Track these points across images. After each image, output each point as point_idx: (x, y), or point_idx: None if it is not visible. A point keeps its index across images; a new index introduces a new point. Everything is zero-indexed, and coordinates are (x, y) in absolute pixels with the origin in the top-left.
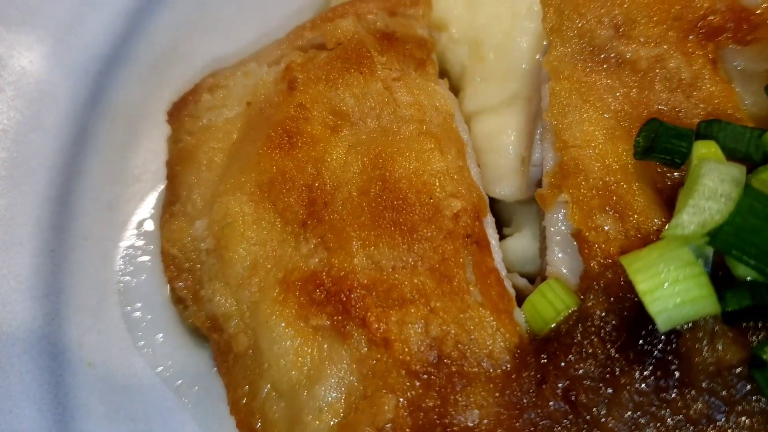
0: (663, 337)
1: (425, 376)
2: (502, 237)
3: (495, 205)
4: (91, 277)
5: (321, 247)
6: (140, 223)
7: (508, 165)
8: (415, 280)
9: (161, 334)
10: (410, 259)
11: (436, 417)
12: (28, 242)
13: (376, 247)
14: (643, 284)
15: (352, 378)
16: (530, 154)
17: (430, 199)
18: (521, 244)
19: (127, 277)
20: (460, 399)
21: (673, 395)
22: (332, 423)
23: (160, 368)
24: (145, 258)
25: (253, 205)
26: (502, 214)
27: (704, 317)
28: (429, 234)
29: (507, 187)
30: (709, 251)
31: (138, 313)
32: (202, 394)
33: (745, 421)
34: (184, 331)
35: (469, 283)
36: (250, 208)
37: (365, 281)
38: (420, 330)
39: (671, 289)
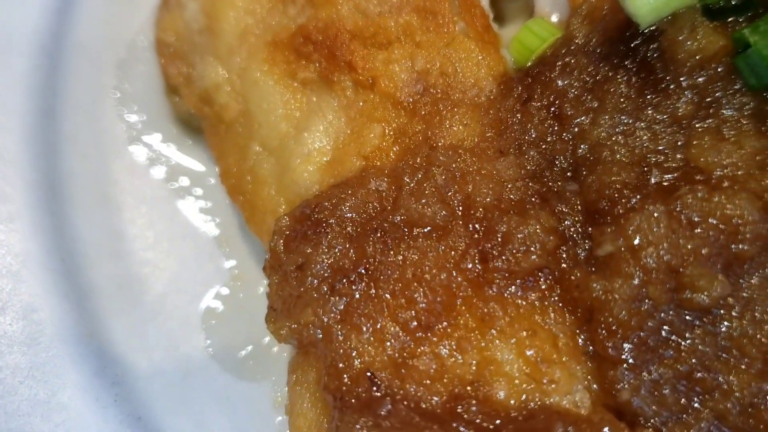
0: (645, 36)
1: (411, 106)
2: None
3: None
4: (87, 81)
5: (308, 5)
6: (137, 38)
7: None
8: (401, 20)
9: (156, 133)
10: (396, 2)
11: (421, 138)
12: (27, 48)
13: None
14: None
15: (340, 122)
16: None
17: None
18: None
19: (125, 85)
20: (445, 122)
21: (658, 95)
22: (320, 163)
23: (159, 166)
24: (142, 67)
25: None
26: None
27: (684, 9)
28: None
29: None
30: None
31: (134, 116)
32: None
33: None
34: (180, 133)
35: (454, 15)
36: None
37: (351, 27)
38: (406, 66)
39: None
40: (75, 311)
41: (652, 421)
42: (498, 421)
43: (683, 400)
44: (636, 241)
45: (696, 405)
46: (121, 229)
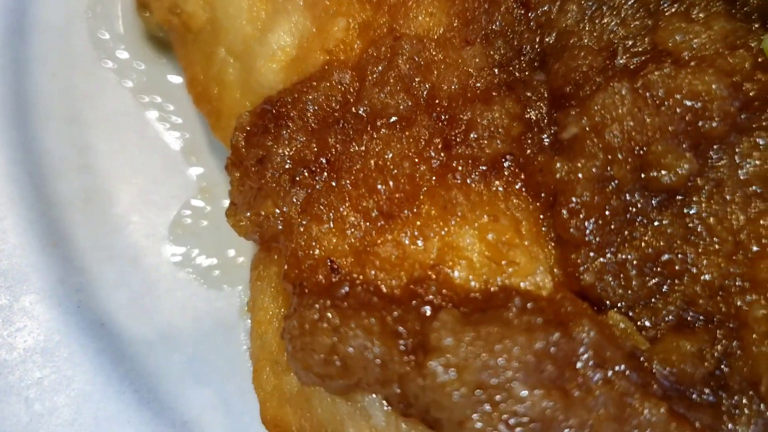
0: None
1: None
2: None
3: None
4: (58, 1)
5: None
6: None
7: None
8: None
9: (126, 52)
10: None
11: (386, 30)
12: None
13: None
14: None
15: (305, 21)
16: None
17: None
18: None
19: (97, 6)
20: (410, 13)
21: None
22: (284, 61)
23: (129, 83)
24: None
25: None
26: None
27: None
28: None
29: None
30: None
31: (105, 34)
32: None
33: None
34: (150, 51)
35: None
36: None
37: None
38: None
39: None
40: (40, 221)
41: (618, 306)
42: (457, 301)
43: (651, 283)
44: (600, 120)
45: (664, 289)
46: (90, 144)
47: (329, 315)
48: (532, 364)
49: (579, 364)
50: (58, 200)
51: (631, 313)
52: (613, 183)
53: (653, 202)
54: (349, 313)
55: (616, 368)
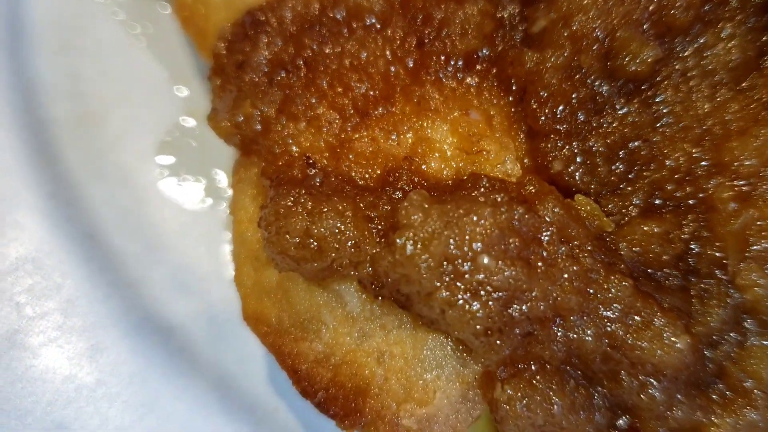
0: None
1: None
2: None
3: None
4: None
5: None
6: None
7: None
8: None
9: None
10: None
11: None
12: None
13: None
14: None
15: None
16: None
17: None
18: None
19: None
20: None
21: None
22: None
23: (120, 13)
24: None
25: None
26: None
27: None
28: None
29: None
30: None
31: None
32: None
33: None
34: None
35: None
36: None
37: None
38: None
39: None
40: (32, 142)
41: (586, 194)
42: (428, 187)
43: (618, 170)
44: (566, 10)
45: (632, 176)
46: (82, 71)
47: (303, 200)
48: (497, 237)
49: (544, 239)
50: (50, 123)
51: (599, 200)
52: (580, 72)
53: (620, 91)
54: (323, 199)
55: (581, 245)
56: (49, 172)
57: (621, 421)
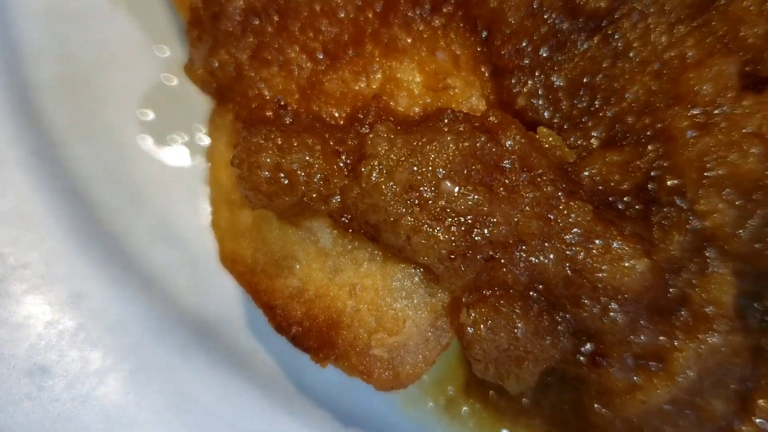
0: None
1: None
2: None
3: None
4: None
5: None
6: None
7: None
8: None
9: None
10: None
11: None
12: None
13: None
14: None
15: None
16: None
17: None
18: None
19: None
20: None
21: None
22: None
23: None
24: None
25: None
26: None
27: None
28: None
29: None
30: None
31: None
32: None
33: None
34: None
35: None
36: None
37: None
38: None
39: None
40: (16, 101)
41: (552, 129)
42: (395, 123)
43: (580, 104)
44: None
45: (593, 109)
46: (68, 36)
47: (273, 137)
48: (460, 164)
49: (506, 167)
50: (36, 84)
51: (562, 134)
52: (542, 10)
53: (581, 28)
54: (293, 135)
55: (543, 174)
56: (34, 130)
57: (586, 347)
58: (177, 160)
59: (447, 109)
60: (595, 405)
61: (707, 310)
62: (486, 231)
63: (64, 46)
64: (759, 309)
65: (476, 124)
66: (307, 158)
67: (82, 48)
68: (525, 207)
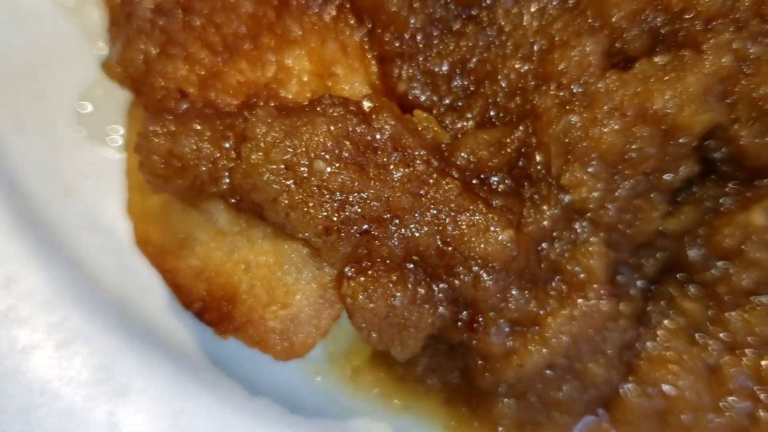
0: None
1: None
2: None
3: None
4: None
5: None
6: None
7: None
8: None
9: None
10: None
11: None
12: None
13: None
14: None
15: None
16: None
17: None
18: None
19: None
20: None
21: None
22: None
23: None
24: None
25: None
26: None
27: None
28: None
29: None
30: None
31: None
32: None
33: None
34: None
35: None
36: None
37: None
38: None
39: None
40: None
41: (431, 112)
42: (281, 108)
43: (457, 88)
44: None
45: (469, 93)
46: (6, 35)
47: (167, 124)
48: (332, 145)
49: (378, 147)
50: None
51: (441, 117)
52: (419, 0)
53: (456, 15)
54: (185, 122)
55: (415, 153)
56: None
57: (463, 314)
58: (110, 152)
59: (327, 95)
60: (479, 370)
61: (580, 278)
62: (358, 207)
63: (2, 44)
64: (640, 278)
65: (351, 108)
66: (197, 143)
67: (21, 45)
68: (395, 184)
